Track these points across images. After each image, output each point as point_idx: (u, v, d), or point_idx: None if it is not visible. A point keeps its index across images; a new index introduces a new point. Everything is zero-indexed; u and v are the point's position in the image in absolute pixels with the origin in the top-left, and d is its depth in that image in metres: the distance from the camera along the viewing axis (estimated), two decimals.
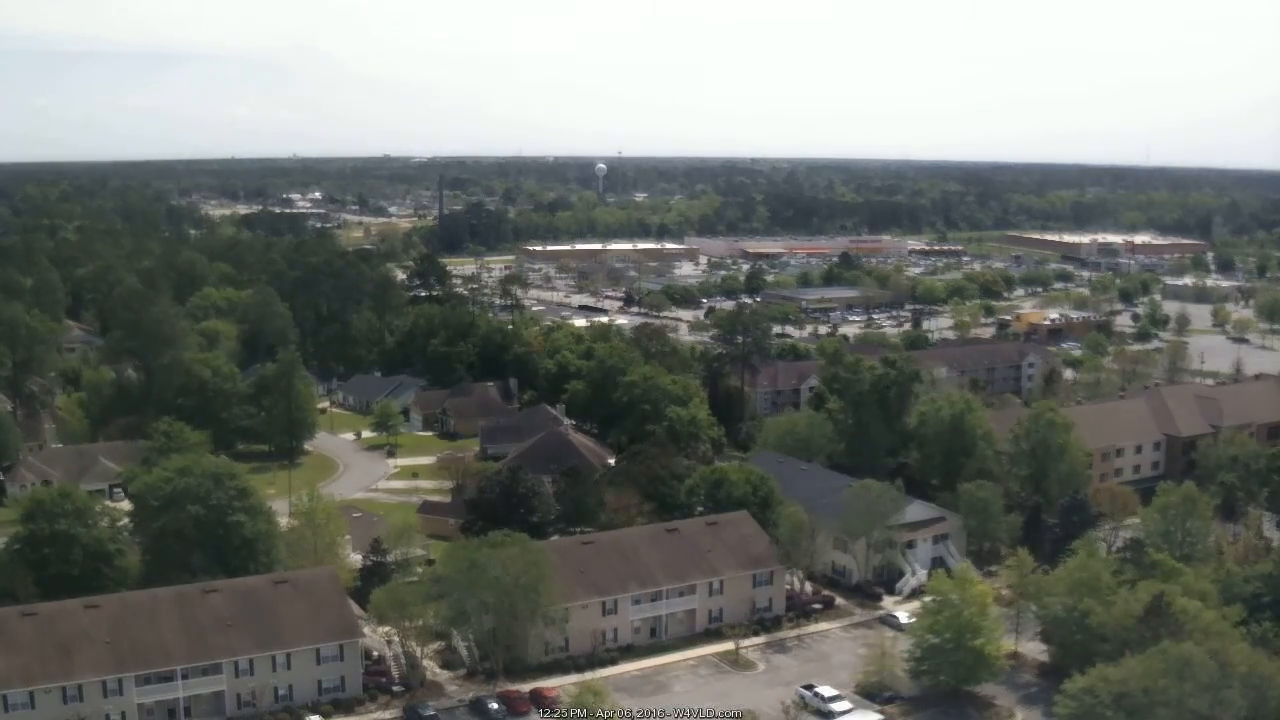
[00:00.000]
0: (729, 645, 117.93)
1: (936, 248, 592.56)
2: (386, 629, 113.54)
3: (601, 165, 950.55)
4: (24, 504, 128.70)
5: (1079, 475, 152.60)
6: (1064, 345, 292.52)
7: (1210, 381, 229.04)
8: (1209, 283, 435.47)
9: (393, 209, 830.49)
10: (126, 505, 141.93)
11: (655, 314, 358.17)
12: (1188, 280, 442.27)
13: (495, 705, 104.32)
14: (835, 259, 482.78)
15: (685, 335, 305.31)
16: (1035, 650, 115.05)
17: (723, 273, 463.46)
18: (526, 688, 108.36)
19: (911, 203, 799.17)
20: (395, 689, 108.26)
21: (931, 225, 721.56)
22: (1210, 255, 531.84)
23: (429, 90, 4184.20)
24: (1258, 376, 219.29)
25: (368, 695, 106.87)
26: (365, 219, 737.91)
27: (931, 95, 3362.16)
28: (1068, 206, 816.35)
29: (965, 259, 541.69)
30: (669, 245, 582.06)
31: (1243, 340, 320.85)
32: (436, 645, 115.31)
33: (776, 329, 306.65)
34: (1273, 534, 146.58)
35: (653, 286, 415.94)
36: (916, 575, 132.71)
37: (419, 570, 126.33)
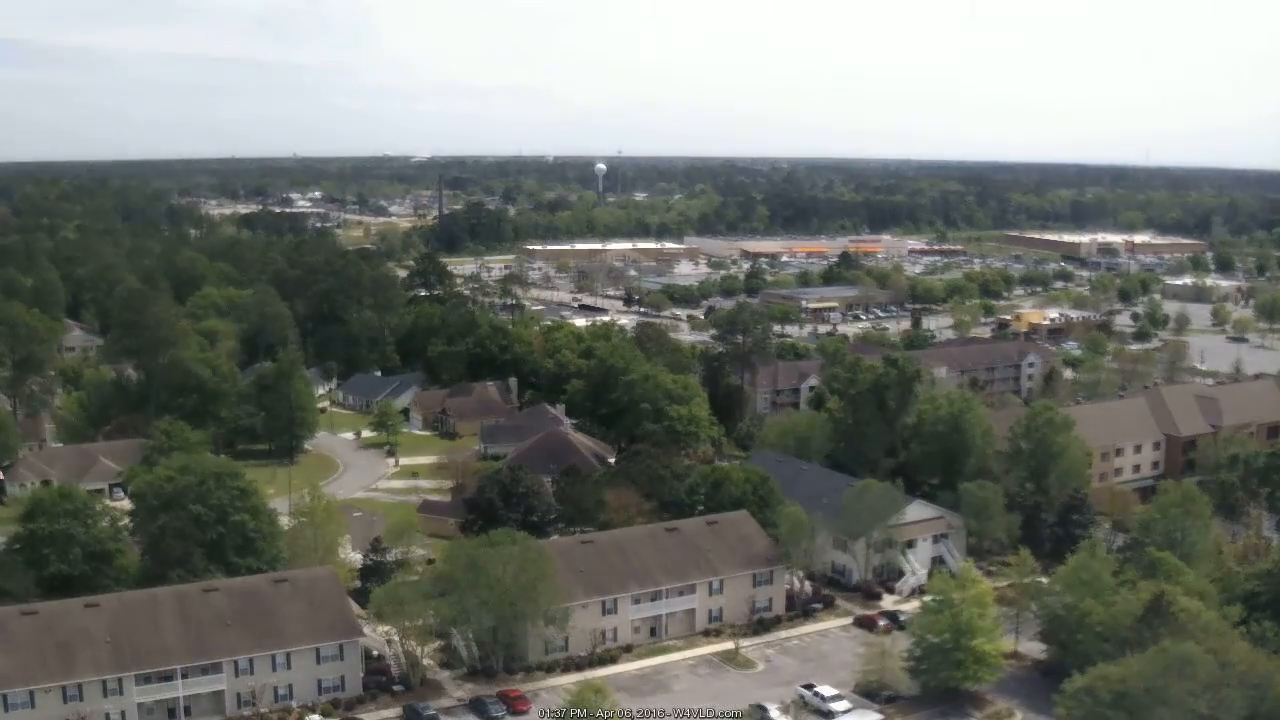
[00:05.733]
0: (729, 645, 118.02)
1: (936, 247, 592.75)
2: (386, 628, 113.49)
3: (601, 165, 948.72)
4: (24, 503, 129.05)
5: (1079, 475, 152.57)
6: (1064, 345, 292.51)
7: (1210, 381, 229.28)
8: (1209, 282, 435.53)
9: (393, 208, 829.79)
10: (126, 504, 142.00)
11: (655, 313, 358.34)
12: (1187, 280, 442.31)
13: (495, 705, 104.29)
14: (835, 259, 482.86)
15: (685, 335, 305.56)
16: (1035, 650, 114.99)
17: (723, 272, 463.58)
18: (527, 688, 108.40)
19: (911, 202, 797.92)
20: (395, 688, 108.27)
21: (931, 225, 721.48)
22: (1210, 255, 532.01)
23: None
24: (1257, 376, 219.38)
25: (368, 694, 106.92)
26: (365, 218, 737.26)
27: (931, 90, 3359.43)
28: (1067, 206, 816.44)
29: (965, 258, 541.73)
30: (669, 245, 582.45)
31: (1242, 340, 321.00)
32: (436, 645, 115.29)
33: (776, 329, 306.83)
34: (1273, 534, 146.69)
35: (653, 286, 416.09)
36: (916, 575, 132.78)
37: (419, 570, 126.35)
